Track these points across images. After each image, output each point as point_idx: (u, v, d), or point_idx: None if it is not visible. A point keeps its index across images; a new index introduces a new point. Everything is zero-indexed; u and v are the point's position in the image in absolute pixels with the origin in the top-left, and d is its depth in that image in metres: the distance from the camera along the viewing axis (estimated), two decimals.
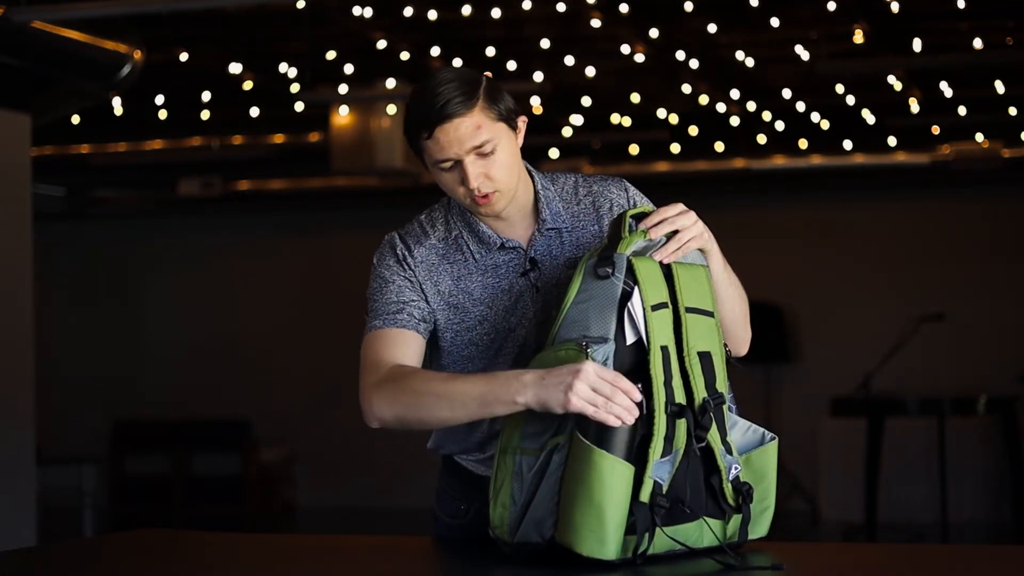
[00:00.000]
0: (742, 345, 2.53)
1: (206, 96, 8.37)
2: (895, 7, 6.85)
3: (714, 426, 2.27)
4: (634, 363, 2.26)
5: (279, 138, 9.32)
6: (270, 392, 11.24)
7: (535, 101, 8.15)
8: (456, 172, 2.44)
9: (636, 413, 2.19)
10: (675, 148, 9.59)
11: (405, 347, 2.46)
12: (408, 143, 2.49)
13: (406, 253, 2.52)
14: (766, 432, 2.38)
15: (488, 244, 2.52)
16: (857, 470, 8.79)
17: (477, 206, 2.47)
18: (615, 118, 9.08)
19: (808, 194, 10.38)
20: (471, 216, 2.53)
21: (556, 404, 2.21)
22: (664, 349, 2.25)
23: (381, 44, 7.53)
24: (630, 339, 2.26)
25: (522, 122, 2.51)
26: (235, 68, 7.89)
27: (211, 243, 11.61)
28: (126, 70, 6.46)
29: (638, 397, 2.19)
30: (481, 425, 2.50)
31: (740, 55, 7.70)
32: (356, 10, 6.83)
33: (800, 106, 8.93)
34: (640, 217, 2.37)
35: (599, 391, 2.19)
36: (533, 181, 2.56)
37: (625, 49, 7.45)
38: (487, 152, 2.43)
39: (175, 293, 11.65)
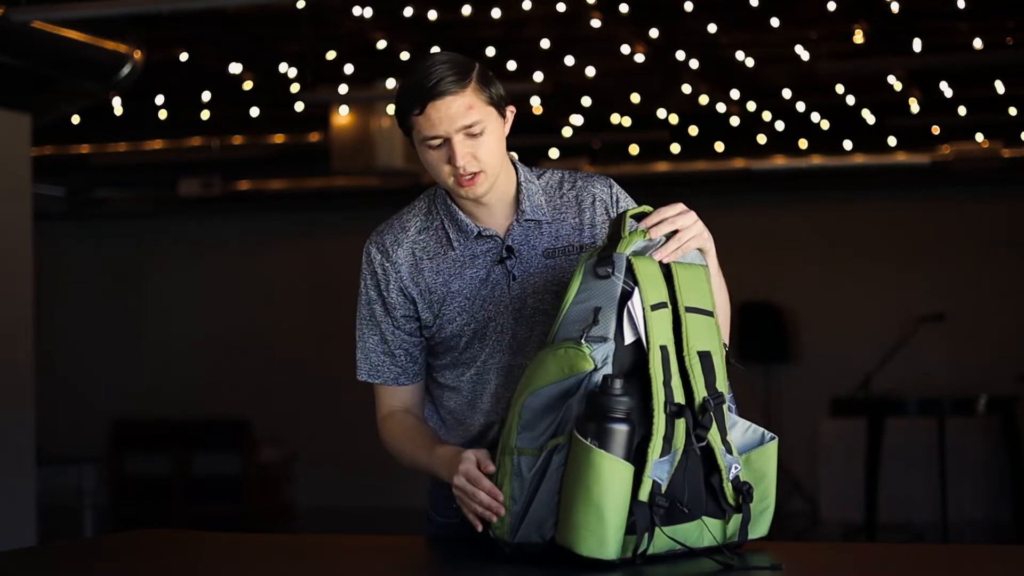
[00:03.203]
0: None
1: (206, 96, 8.37)
2: (895, 7, 6.85)
3: (714, 426, 2.27)
4: (633, 363, 2.26)
5: (279, 138, 9.33)
6: (270, 392, 11.24)
7: (535, 101, 8.15)
8: (443, 150, 2.47)
9: (492, 517, 2.32)
10: (675, 148, 9.59)
11: (393, 398, 2.64)
12: (398, 121, 2.53)
13: (385, 264, 2.58)
14: (766, 432, 2.38)
15: (466, 232, 2.55)
16: (857, 470, 8.79)
17: (460, 187, 2.50)
18: (615, 118, 9.08)
19: (808, 194, 10.38)
20: (453, 205, 2.56)
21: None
22: (663, 349, 2.25)
23: (381, 44, 7.53)
24: (629, 339, 2.27)
25: (510, 112, 2.55)
26: (235, 68, 7.89)
27: (211, 243, 11.61)
28: (126, 70, 6.46)
29: (500, 499, 2.32)
30: (473, 422, 2.58)
31: (740, 55, 7.70)
32: (356, 10, 6.83)
33: (800, 106, 8.93)
34: (640, 217, 2.37)
35: (463, 489, 2.36)
36: (516, 173, 2.60)
37: (625, 49, 7.45)
38: (476, 133, 2.46)
39: (175, 293, 11.65)
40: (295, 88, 7.96)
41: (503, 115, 2.53)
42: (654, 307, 2.26)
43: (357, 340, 2.63)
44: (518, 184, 2.59)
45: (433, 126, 2.45)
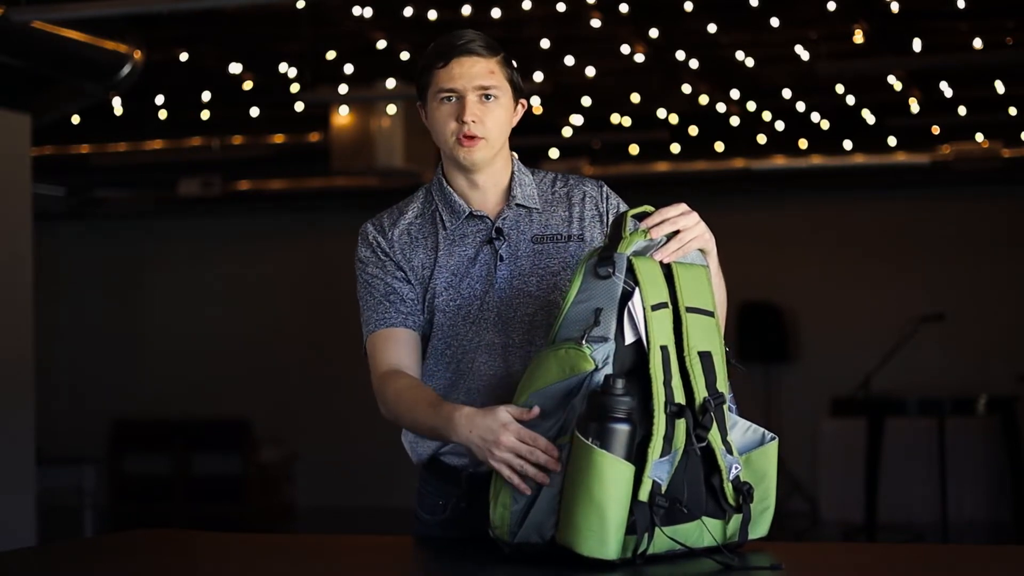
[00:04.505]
0: None
1: (206, 96, 8.37)
2: (895, 7, 6.85)
3: (714, 426, 2.28)
4: (634, 363, 2.27)
5: (279, 138, 9.33)
6: (270, 392, 11.24)
7: (535, 101, 8.14)
8: (454, 106, 2.56)
9: (547, 478, 2.23)
10: (675, 148, 9.59)
11: (396, 345, 2.59)
12: (417, 81, 2.61)
13: (379, 239, 2.63)
14: (766, 432, 2.38)
15: (459, 213, 2.61)
16: (857, 470, 8.79)
17: (459, 146, 2.56)
18: (615, 118, 9.08)
19: (808, 194, 10.38)
20: (448, 187, 2.62)
21: (480, 457, 2.32)
22: (664, 349, 2.25)
23: (381, 44, 7.53)
24: (630, 339, 2.27)
25: (522, 105, 2.64)
26: (235, 68, 7.89)
27: (211, 243, 11.61)
28: (126, 70, 6.46)
29: (555, 455, 2.24)
30: (455, 401, 2.57)
31: (740, 55, 7.70)
32: (356, 10, 6.83)
33: (800, 106, 8.93)
34: (641, 217, 2.37)
35: (516, 451, 2.26)
36: (512, 164, 2.67)
37: (625, 49, 7.45)
38: (489, 97, 2.56)
39: (175, 293, 11.65)
40: (295, 88, 7.96)
41: (516, 101, 2.62)
42: (655, 307, 2.27)
43: (361, 310, 2.64)
44: (512, 174, 2.65)
45: (452, 79, 2.55)
